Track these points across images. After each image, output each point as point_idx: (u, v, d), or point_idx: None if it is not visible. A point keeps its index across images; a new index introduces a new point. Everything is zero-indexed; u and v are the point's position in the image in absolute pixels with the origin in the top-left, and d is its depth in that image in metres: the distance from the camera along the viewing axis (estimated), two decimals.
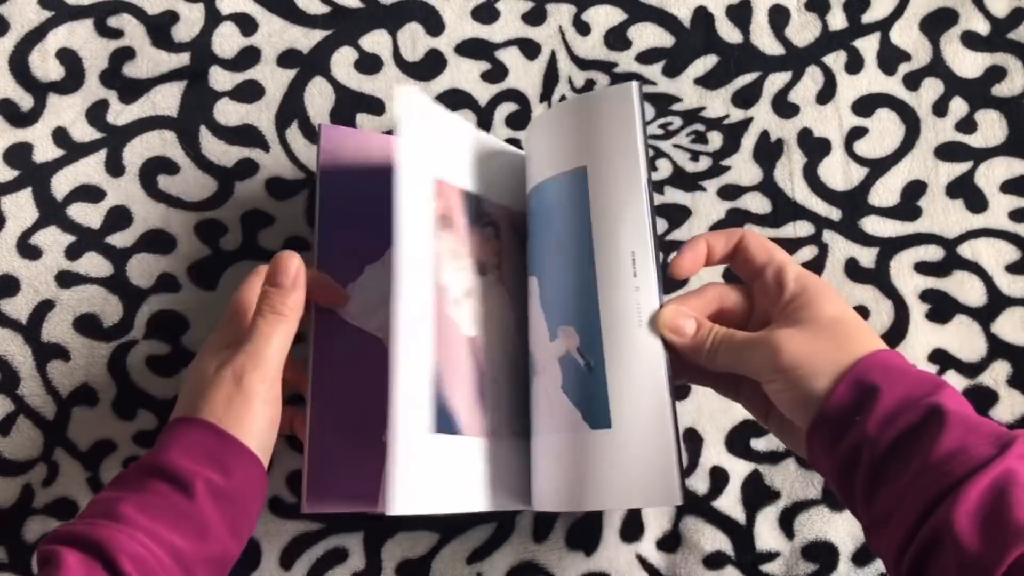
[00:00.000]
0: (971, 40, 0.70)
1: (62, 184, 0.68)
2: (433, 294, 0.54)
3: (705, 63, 0.70)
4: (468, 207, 0.58)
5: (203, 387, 0.51)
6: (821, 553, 0.61)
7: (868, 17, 0.71)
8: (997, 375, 0.64)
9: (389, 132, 0.68)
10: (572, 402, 0.53)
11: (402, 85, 0.70)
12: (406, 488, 0.49)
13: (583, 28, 0.71)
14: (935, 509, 0.41)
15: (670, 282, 0.64)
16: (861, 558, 0.61)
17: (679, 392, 0.64)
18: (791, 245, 0.66)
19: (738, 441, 0.64)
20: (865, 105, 0.69)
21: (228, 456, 0.50)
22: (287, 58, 0.70)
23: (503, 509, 0.55)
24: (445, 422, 0.53)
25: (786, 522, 0.62)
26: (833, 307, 0.49)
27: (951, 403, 0.44)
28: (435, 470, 0.51)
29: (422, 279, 0.54)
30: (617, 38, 0.71)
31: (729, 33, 0.71)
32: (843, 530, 0.62)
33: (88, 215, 0.67)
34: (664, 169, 0.68)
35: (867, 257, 0.66)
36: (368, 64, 0.70)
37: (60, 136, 0.68)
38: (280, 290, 0.53)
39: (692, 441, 0.64)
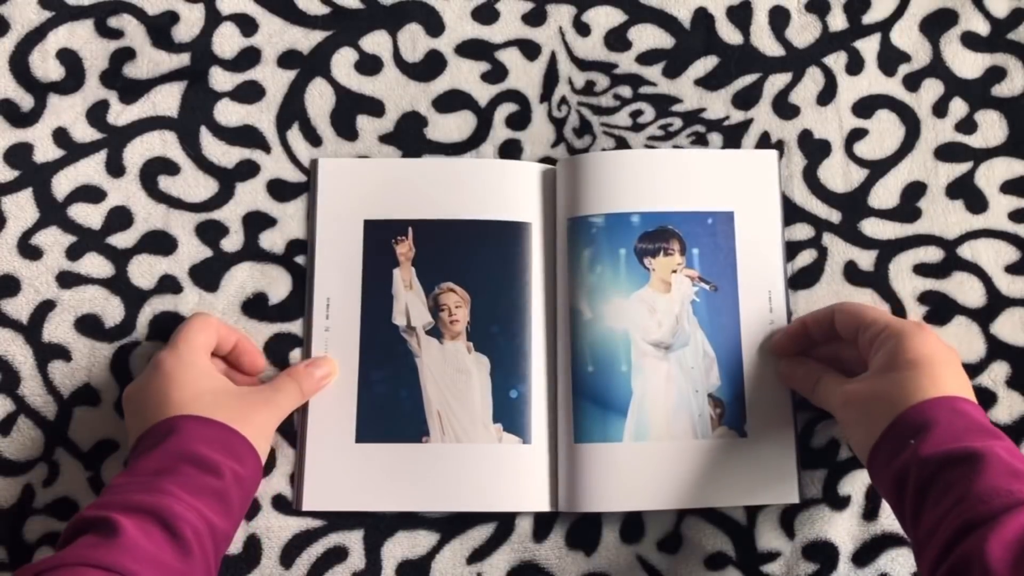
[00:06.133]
0: (971, 40, 0.70)
1: (62, 184, 0.68)
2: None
3: (705, 64, 0.70)
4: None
5: (153, 387, 0.57)
6: (821, 553, 0.61)
7: (868, 18, 0.71)
8: (996, 376, 0.64)
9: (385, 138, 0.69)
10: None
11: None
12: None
13: (583, 29, 0.71)
14: (969, 535, 0.44)
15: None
16: (861, 558, 0.61)
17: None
18: (790, 248, 0.66)
19: None
20: (865, 106, 0.69)
21: (239, 448, 0.56)
22: (287, 59, 0.70)
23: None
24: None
25: (787, 522, 0.62)
26: (912, 353, 0.53)
27: (1004, 452, 0.48)
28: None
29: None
30: (617, 39, 0.71)
31: (729, 34, 0.71)
32: (843, 530, 0.62)
33: (89, 215, 0.67)
34: None
35: (866, 260, 0.66)
36: (368, 65, 0.70)
37: (60, 136, 0.68)
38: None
39: None
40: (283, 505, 0.63)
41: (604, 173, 0.66)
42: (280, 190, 0.68)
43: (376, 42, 0.71)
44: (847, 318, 0.59)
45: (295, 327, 0.66)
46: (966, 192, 0.67)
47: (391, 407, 0.63)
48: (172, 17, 0.71)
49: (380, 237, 0.66)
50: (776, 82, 0.70)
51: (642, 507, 0.62)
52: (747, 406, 0.63)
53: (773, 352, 0.63)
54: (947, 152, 0.68)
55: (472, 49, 0.71)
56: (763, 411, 0.63)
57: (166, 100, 0.69)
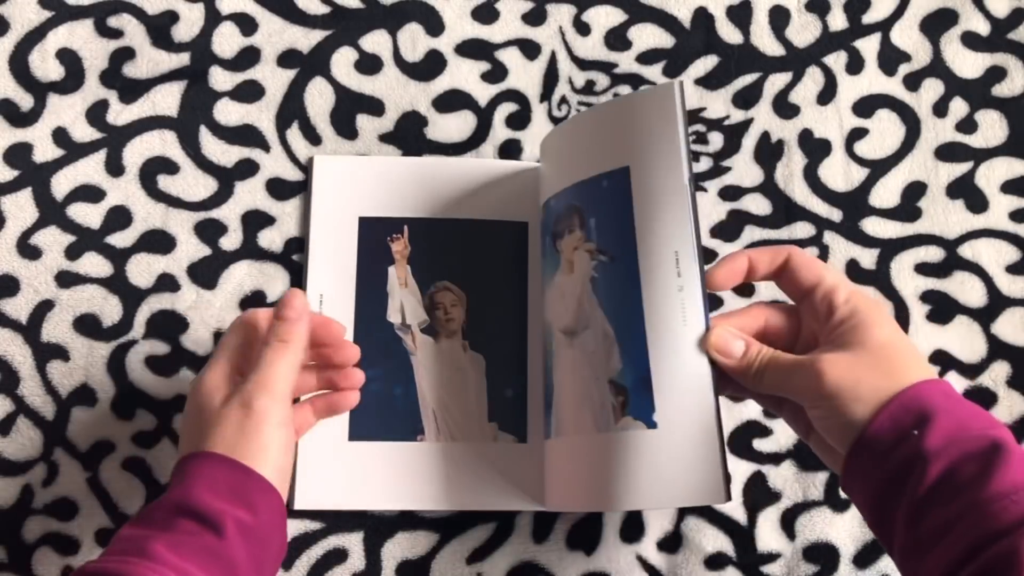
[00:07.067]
0: (971, 40, 0.70)
1: (62, 184, 0.68)
2: None
3: (705, 64, 0.70)
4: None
5: (212, 418, 0.52)
6: (822, 554, 0.61)
7: (868, 18, 0.71)
8: (996, 376, 0.64)
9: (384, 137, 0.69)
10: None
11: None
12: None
13: (583, 28, 0.71)
14: (1005, 536, 0.41)
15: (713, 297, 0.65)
16: (862, 560, 0.61)
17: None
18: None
19: (740, 442, 0.63)
20: (865, 106, 0.69)
21: (253, 493, 0.50)
22: (287, 58, 0.70)
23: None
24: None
25: (787, 523, 0.62)
26: (883, 331, 0.49)
27: (1010, 439, 0.45)
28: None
29: None
30: (617, 38, 0.71)
31: (729, 34, 0.71)
32: (844, 532, 0.61)
33: (88, 215, 0.67)
34: None
35: (868, 258, 0.66)
36: (368, 64, 0.70)
37: (60, 136, 0.68)
38: (285, 322, 0.54)
39: None
40: None
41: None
42: (279, 189, 0.68)
43: (376, 42, 0.71)
44: (807, 270, 0.51)
45: None
46: (966, 192, 0.67)
47: (385, 405, 0.63)
48: (172, 17, 0.71)
49: (375, 234, 0.66)
50: (776, 82, 0.70)
51: (558, 508, 0.60)
52: (655, 392, 0.53)
53: (710, 287, 0.53)
54: (947, 152, 0.68)
55: (472, 49, 0.71)
56: (676, 397, 0.52)
57: (166, 100, 0.69)
